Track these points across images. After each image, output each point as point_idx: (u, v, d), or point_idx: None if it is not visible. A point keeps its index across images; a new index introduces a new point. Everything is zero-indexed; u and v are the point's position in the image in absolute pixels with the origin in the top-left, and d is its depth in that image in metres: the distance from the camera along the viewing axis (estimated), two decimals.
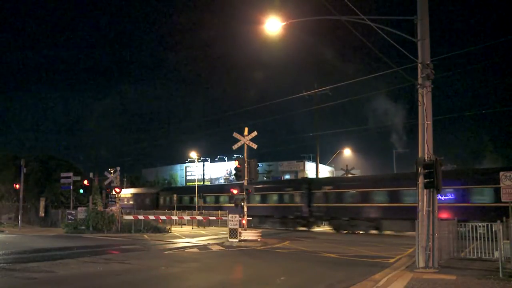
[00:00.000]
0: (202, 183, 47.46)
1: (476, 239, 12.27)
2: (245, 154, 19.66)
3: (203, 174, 50.95)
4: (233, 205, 21.11)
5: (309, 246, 17.68)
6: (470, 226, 12.51)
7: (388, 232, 25.22)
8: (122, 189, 30.61)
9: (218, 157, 58.00)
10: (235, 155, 38.81)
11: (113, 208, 25.32)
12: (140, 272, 11.07)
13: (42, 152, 41.06)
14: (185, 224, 33.38)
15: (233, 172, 20.97)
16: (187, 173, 61.07)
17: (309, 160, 52.32)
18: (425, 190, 10.94)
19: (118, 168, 26.42)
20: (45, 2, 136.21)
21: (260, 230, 20.41)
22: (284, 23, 12.25)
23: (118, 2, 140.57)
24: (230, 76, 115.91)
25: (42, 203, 31.65)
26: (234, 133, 20.05)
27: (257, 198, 31.46)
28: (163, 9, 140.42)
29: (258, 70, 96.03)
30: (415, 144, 11.47)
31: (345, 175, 41.07)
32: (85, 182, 27.15)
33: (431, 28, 11.31)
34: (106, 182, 26.37)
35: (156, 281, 10.07)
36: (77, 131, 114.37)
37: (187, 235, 23.80)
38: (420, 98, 11.14)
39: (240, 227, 18.73)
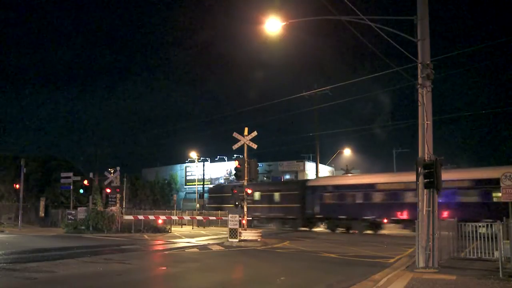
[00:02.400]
0: (202, 183, 47.42)
1: (476, 239, 12.27)
2: (245, 154, 19.65)
3: (203, 174, 50.90)
4: None
5: (309, 246, 17.69)
6: (470, 226, 12.51)
7: (388, 232, 25.21)
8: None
9: (218, 157, 57.89)
10: (235, 155, 38.77)
11: (113, 208, 25.33)
12: (140, 272, 11.08)
13: (42, 152, 41.13)
14: (185, 224, 33.39)
15: (233, 172, 20.95)
16: (187, 173, 61.02)
17: (309, 160, 52.24)
18: (425, 190, 10.94)
19: (118, 168, 26.44)
20: (46, 2, 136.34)
21: (260, 230, 20.41)
22: (284, 23, 12.25)
23: (119, 3, 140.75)
24: (230, 76, 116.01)
25: (42, 203, 31.65)
26: (234, 133, 20.03)
27: None
28: (163, 10, 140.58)
29: (258, 70, 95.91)
30: (416, 143, 11.46)
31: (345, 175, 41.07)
32: (85, 182, 27.19)
33: (431, 28, 11.32)
34: (106, 182, 26.38)
35: (156, 281, 10.07)
36: (77, 131, 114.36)
37: (187, 235, 23.81)
38: (420, 98, 11.14)
39: (240, 227, 18.72)
